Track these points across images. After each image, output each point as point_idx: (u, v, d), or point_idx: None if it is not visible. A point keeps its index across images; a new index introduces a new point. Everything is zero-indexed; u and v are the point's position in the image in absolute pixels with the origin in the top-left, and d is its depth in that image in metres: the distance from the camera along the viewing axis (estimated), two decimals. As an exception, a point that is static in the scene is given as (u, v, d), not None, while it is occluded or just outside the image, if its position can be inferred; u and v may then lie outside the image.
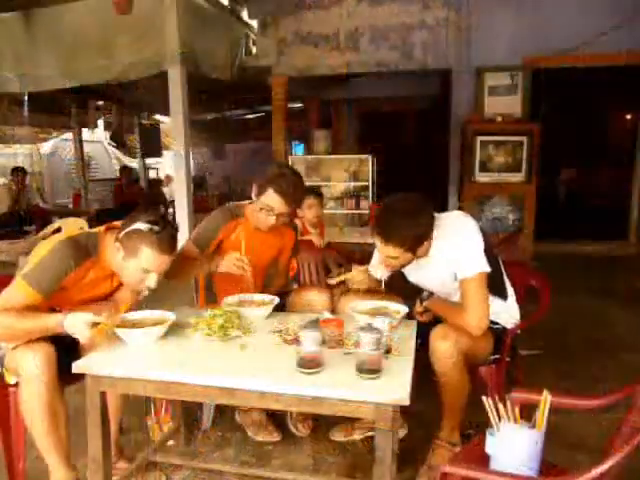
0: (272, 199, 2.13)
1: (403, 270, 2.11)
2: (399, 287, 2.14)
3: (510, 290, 2.11)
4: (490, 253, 1.95)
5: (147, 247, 1.72)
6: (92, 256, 1.81)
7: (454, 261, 1.92)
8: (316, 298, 2.27)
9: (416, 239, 1.89)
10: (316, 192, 3.63)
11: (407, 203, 1.92)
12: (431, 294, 2.06)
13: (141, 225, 1.72)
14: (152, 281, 1.79)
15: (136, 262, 1.74)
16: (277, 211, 2.15)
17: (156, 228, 1.72)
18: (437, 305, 2.03)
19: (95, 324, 1.63)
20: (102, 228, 1.88)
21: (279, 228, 2.29)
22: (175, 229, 1.81)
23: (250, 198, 2.25)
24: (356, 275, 2.15)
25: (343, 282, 2.21)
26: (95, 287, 1.88)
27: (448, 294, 2.05)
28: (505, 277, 2.09)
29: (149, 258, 1.73)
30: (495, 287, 2.01)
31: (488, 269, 1.89)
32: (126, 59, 4.85)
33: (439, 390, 1.95)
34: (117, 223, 1.84)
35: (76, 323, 1.62)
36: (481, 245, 1.92)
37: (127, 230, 1.74)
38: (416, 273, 2.10)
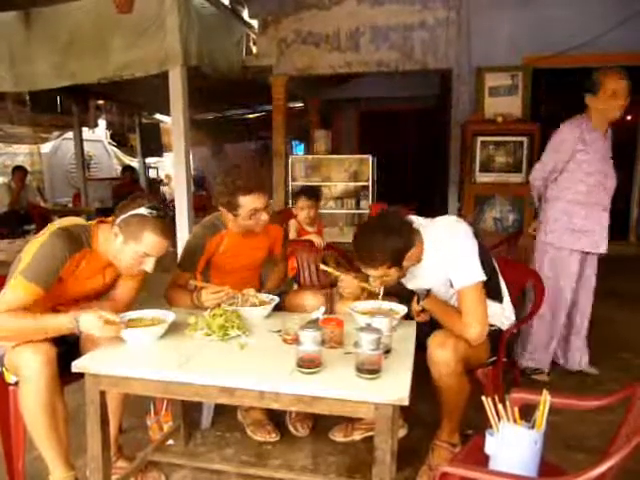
0: (250, 202, 2.14)
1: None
2: (396, 291, 2.12)
3: (505, 291, 2.10)
4: (485, 256, 1.94)
5: (149, 232, 1.76)
6: (85, 247, 1.83)
7: (447, 268, 1.90)
8: (311, 301, 2.25)
9: (396, 254, 1.86)
10: (309, 191, 3.61)
11: (376, 221, 1.94)
12: (428, 293, 2.05)
13: (143, 210, 1.77)
14: (150, 265, 1.83)
15: (137, 246, 1.78)
16: (261, 207, 2.17)
17: (156, 213, 1.78)
18: (435, 306, 2.02)
19: (107, 321, 1.65)
20: (94, 222, 1.91)
21: (264, 227, 2.28)
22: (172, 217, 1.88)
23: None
24: (347, 282, 2.08)
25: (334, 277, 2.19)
26: (88, 279, 1.89)
27: (445, 300, 2.04)
28: (500, 279, 2.09)
29: (150, 242, 1.77)
30: (491, 291, 1.99)
31: (484, 277, 1.87)
32: (126, 58, 4.84)
33: (438, 394, 1.94)
34: (109, 218, 1.88)
35: (92, 318, 1.64)
36: (475, 251, 1.89)
37: (127, 215, 1.78)
38: (412, 281, 2.09)
